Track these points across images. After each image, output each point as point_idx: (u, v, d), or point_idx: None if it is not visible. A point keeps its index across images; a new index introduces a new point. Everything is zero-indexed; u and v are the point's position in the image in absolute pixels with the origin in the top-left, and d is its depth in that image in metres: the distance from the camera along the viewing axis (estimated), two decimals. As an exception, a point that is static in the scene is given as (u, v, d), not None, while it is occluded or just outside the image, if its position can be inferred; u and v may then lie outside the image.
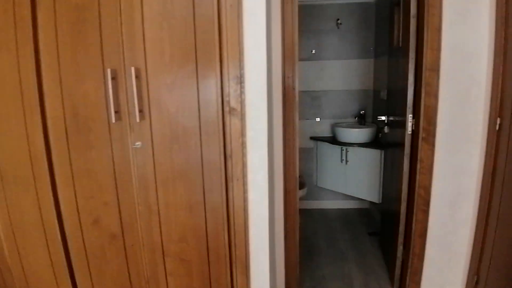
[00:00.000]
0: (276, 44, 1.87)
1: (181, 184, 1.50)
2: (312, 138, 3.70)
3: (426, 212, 2.02)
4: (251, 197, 1.48)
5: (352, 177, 3.36)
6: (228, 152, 1.44)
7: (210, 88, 1.38)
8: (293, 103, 1.98)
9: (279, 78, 1.95)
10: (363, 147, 3.19)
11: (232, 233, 1.53)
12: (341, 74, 3.59)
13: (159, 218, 1.57)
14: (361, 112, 3.53)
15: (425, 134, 1.94)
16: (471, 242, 2.04)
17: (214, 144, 1.43)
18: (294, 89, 1.97)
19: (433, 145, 1.94)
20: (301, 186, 3.53)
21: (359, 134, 3.28)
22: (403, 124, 2.13)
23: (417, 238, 2.06)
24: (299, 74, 1.99)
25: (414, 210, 2.03)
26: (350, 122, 3.64)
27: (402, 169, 2.14)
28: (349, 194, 3.45)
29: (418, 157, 1.97)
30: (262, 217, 1.49)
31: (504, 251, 1.86)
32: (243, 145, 1.41)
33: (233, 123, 1.40)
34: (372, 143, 3.25)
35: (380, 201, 3.12)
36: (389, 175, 2.60)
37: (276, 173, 2.10)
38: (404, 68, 2.11)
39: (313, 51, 3.57)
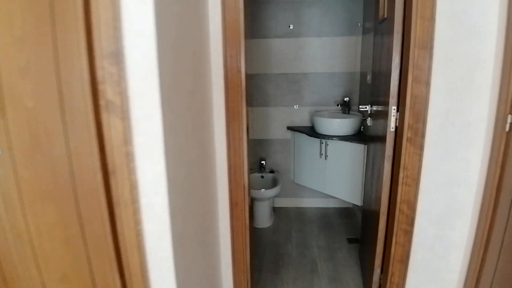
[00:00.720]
0: (208, 12, 1.38)
1: (52, 209, 1.05)
2: (289, 128, 3.23)
3: (409, 232, 1.58)
4: (148, 229, 1.03)
5: (332, 174, 2.92)
6: (110, 167, 0.97)
7: (74, 72, 0.91)
8: (238, 89, 1.50)
9: (218, 58, 1.47)
10: (345, 140, 2.72)
11: (127, 278, 1.09)
12: (323, 53, 3.08)
13: (34, 249, 1.12)
14: (345, 99, 3.04)
15: (411, 133, 1.47)
16: (465, 269, 1.61)
17: (86, 155, 0.97)
18: (239, 71, 1.49)
19: (421, 147, 1.48)
20: (275, 183, 3.08)
21: (341, 125, 2.81)
22: (386, 118, 1.66)
23: (396, 263, 1.63)
24: (250, 54, 1.50)
25: (394, 230, 1.59)
26: (333, 111, 3.16)
27: (382, 176, 1.68)
28: (329, 193, 3.01)
29: (401, 163, 1.51)
30: (164, 257, 1.05)
31: (507, 285, 1.43)
32: (128, 156, 0.95)
33: (112, 124, 0.93)
34: (355, 136, 2.78)
35: (362, 204, 2.68)
36: (370, 177, 2.15)
37: (219, 182, 1.64)
38: (389, 45, 1.62)
39: (291, 26, 3.05)
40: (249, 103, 3.20)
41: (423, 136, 1.47)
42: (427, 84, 1.41)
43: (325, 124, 2.86)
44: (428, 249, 1.61)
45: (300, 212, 3.35)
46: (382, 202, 1.69)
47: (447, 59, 1.38)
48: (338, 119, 2.82)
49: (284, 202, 3.45)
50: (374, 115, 2.09)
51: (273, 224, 3.11)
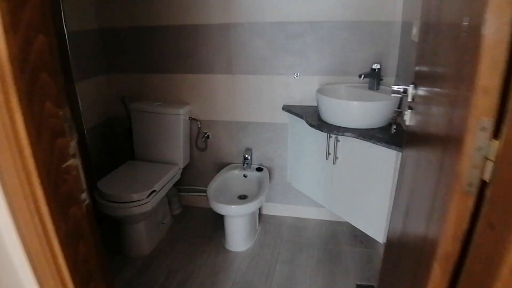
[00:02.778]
0: None
1: None
2: (285, 108, 2.16)
3: None
4: None
5: (342, 186, 1.87)
6: None
7: None
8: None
9: None
10: (366, 138, 1.64)
11: None
12: (343, -9, 1.91)
13: None
14: (373, 67, 1.90)
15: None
16: None
17: None
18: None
19: None
20: (260, 187, 2.10)
21: (363, 111, 1.71)
22: (456, 106, 0.59)
23: None
24: None
25: None
26: (353, 85, 2.03)
27: (446, 204, 0.65)
28: (336, 213, 1.99)
29: (482, 212, 0.46)
30: None
31: None
32: None
33: None
34: (383, 132, 1.69)
35: (384, 241, 1.66)
36: (408, 202, 1.11)
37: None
38: None
39: None
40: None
41: None
42: None
43: (335, 108, 1.77)
44: None
45: (296, 226, 2.37)
46: (439, 246, 0.67)
47: None
48: (356, 102, 1.71)
49: (276, 209, 2.47)
50: (425, 99, 1.00)
51: (254, 246, 2.17)
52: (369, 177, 1.70)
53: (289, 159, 2.30)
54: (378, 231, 1.72)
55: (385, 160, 1.59)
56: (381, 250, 2.02)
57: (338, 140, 1.82)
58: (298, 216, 2.46)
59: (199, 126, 2.35)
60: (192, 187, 2.54)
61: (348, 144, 1.77)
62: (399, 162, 1.51)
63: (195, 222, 2.41)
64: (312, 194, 2.14)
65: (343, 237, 2.25)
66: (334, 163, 1.87)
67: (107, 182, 2.00)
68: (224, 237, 2.14)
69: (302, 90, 2.15)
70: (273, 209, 2.47)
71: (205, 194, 2.07)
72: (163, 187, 2.06)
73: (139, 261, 2.04)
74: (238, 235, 2.11)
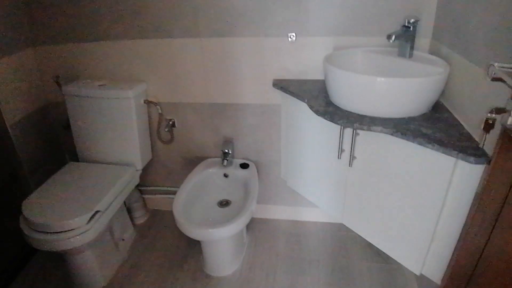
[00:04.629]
0: None
1: None
2: (277, 84, 1.56)
3: None
4: None
5: (361, 198, 1.34)
6: None
7: None
8: None
9: None
10: (408, 137, 1.07)
11: None
12: None
13: None
14: (407, 23, 1.29)
15: None
16: None
17: None
18: None
19: None
20: (247, 192, 1.56)
21: (400, 93, 1.13)
22: None
23: None
24: None
25: None
26: (373, 49, 1.43)
27: None
28: (349, 227, 1.48)
29: None
30: None
31: None
32: None
33: None
34: (430, 125, 1.13)
35: (421, 273, 1.18)
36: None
37: None
38: None
39: None
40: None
41: None
42: None
43: (357, 87, 1.19)
44: None
45: (295, 234, 1.87)
46: None
47: None
48: (384, 79, 1.12)
49: (268, 212, 1.95)
50: None
51: (242, 268, 1.66)
52: (405, 190, 1.17)
53: (283, 153, 1.74)
54: (413, 260, 1.22)
55: (435, 169, 1.04)
56: (404, 267, 1.55)
57: (357, 134, 1.25)
58: (296, 219, 1.95)
59: (160, 111, 1.73)
60: (158, 188, 1.98)
61: (373, 140, 1.21)
62: (458, 173, 0.98)
63: (165, 234, 1.87)
64: (315, 199, 1.61)
65: (354, 246, 1.76)
66: (350, 165, 1.32)
67: (34, 202, 1.41)
68: (202, 256, 1.63)
69: (300, 58, 1.53)
70: (264, 212, 1.95)
71: (174, 196, 1.52)
72: (112, 202, 1.49)
73: (89, 300, 1.52)
74: (220, 258, 1.60)
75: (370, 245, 1.72)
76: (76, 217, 1.32)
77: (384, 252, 1.35)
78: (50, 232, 1.31)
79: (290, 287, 1.55)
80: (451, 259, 1.07)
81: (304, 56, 1.52)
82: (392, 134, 1.10)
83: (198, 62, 1.60)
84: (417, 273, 1.22)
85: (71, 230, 1.32)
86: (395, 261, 1.59)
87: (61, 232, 1.31)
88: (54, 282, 1.59)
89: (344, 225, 1.81)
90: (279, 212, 1.94)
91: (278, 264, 1.68)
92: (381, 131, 1.12)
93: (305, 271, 1.63)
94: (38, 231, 1.32)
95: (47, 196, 1.45)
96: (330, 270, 1.63)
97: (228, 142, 1.74)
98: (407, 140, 1.07)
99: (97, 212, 1.39)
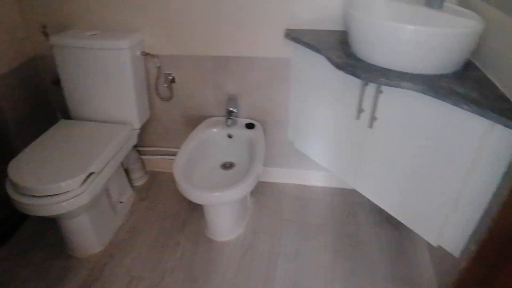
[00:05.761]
0: None
1: None
2: (289, 34, 1.39)
3: None
4: None
5: (378, 162, 1.24)
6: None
7: None
8: None
9: None
10: (440, 95, 0.94)
11: None
12: None
13: None
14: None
15: None
16: None
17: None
18: None
19: None
20: (252, 155, 1.46)
21: (428, 42, 0.98)
22: None
23: None
24: None
25: None
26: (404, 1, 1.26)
27: None
28: (362, 193, 1.38)
29: None
30: None
31: None
32: None
33: None
34: (464, 84, 1.00)
35: (438, 245, 1.10)
36: None
37: None
38: None
39: None
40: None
41: None
42: None
43: (379, 35, 1.04)
44: None
45: (300, 198, 1.79)
46: None
47: None
48: (421, 27, 0.97)
49: (272, 174, 1.86)
50: None
51: (246, 232, 1.60)
52: (429, 154, 1.06)
53: (292, 112, 1.61)
54: (430, 230, 1.14)
55: (467, 132, 0.93)
56: (415, 235, 1.49)
57: (380, 91, 1.12)
58: (301, 183, 1.86)
59: (158, 65, 1.57)
60: (157, 148, 1.86)
61: (397, 99, 1.08)
62: (494, 138, 0.87)
63: (164, 197, 1.79)
64: (326, 163, 1.51)
65: (363, 212, 1.69)
66: (370, 126, 1.20)
67: (21, 163, 1.30)
68: (204, 219, 1.55)
69: (315, 5, 1.36)
70: (268, 175, 1.85)
71: (175, 156, 1.41)
72: (107, 163, 1.38)
73: (88, 264, 1.46)
74: (224, 222, 1.52)
75: (380, 211, 1.65)
76: (69, 179, 1.22)
77: (394, 219, 1.27)
78: (40, 196, 1.21)
79: (295, 253, 1.49)
80: (475, 231, 0.99)
81: (319, 3, 1.35)
82: (423, 92, 0.97)
83: (200, 9, 1.43)
84: (434, 244, 1.15)
85: (63, 193, 1.22)
86: (406, 229, 1.53)
87: (52, 195, 1.21)
88: (48, 247, 1.52)
89: (353, 191, 1.72)
90: (284, 176, 1.85)
91: (282, 229, 1.61)
92: (410, 88, 0.99)
93: (310, 237, 1.57)
94: (27, 195, 1.21)
95: (36, 157, 1.34)
96: (337, 236, 1.57)
97: (232, 99, 1.61)
98: (439, 99, 0.94)
99: (91, 173, 1.29)
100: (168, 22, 1.47)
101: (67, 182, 1.22)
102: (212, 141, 1.60)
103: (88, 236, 1.46)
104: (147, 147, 1.86)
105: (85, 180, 1.26)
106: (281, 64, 1.51)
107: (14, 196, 1.22)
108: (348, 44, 1.23)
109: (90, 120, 1.58)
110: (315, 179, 1.83)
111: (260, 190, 1.82)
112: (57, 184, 1.21)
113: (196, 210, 1.67)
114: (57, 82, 1.60)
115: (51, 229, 1.57)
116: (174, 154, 1.82)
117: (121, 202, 1.67)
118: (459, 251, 1.07)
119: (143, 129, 1.70)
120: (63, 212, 1.26)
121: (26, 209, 1.23)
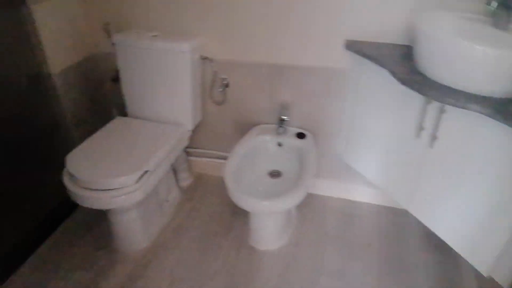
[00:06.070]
0: None
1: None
2: (350, 46, 1.37)
3: None
4: None
5: (438, 184, 1.17)
6: None
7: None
8: None
9: None
10: (501, 116, 0.88)
11: None
12: None
13: None
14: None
15: None
16: None
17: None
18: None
19: None
20: (302, 166, 1.44)
21: (502, 65, 0.92)
22: None
23: None
24: None
25: None
26: (465, 16, 1.20)
27: None
28: (416, 217, 1.31)
29: None
30: None
31: None
32: None
33: None
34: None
35: (489, 276, 1.02)
36: None
37: None
38: None
39: None
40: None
41: None
42: None
43: (446, 52, 0.99)
44: None
45: (346, 214, 1.73)
46: None
47: None
48: (483, 47, 0.91)
49: (318, 187, 1.82)
50: None
51: (289, 243, 1.57)
52: (490, 181, 0.99)
53: (345, 124, 1.58)
54: (482, 259, 1.06)
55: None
56: (463, 263, 1.39)
57: (444, 111, 1.07)
58: (347, 198, 1.81)
59: (215, 69, 1.60)
60: (205, 151, 1.89)
61: (461, 120, 1.02)
62: None
63: (209, 199, 1.81)
64: (377, 180, 1.45)
65: (412, 235, 1.61)
66: (430, 145, 1.14)
67: (79, 156, 1.37)
68: (247, 226, 1.55)
69: (380, 14, 1.32)
70: (315, 186, 1.82)
71: (223, 160, 1.42)
72: (161, 162, 1.42)
73: (133, 259, 1.50)
74: (268, 230, 1.51)
75: (428, 235, 1.56)
76: (125, 175, 1.27)
77: (442, 245, 1.19)
78: (96, 189, 1.26)
79: (340, 271, 1.45)
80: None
81: (382, 16, 1.31)
82: (490, 116, 0.91)
83: (260, 17, 1.44)
84: (485, 274, 1.07)
85: (118, 188, 1.26)
86: (454, 255, 1.44)
87: (108, 190, 1.26)
88: (94, 240, 1.58)
89: (402, 211, 1.65)
90: (329, 188, 1.80)
91: (327, 244, 1.57)
92: (478, 111, 0.93)
93: (356, 256, 1.51)
94: (83, 188, 1.27)
95: (93, 151, 1.40)
96: (383, 258, 1.50)
97: (284, 108, 1.60)
98: (506, 124, 0.88)
99: (146, 171, 1.33)
100: (229, 28, 1.50)
101: (124, 178, 1.26)
102: (261, 148, 1.59)
103: (136, 232, 1.50)
104: (195, 148, 1.90)
105: (141, 177, 1.30)
106: (337, 75, 1.48)
107: (71, 187, 1.28)
108: (411, 58, 1.18)
109: (145, 119, 1.63)
110: (362, 194, 1.77)
111: (304, 201, 1.78)
112: (114, 179, 1.25)
113: (240, 215, 1.67)
114: (116, 79, 1.67)
115: (98, 222, 1.63)
116: (221, 158, 1.84)
117: (167, 201, 1.71)
118: (510, 282, 0.99)
119: (193, 130, 1.73)
120: (116, 206, 1.30)
121: (81, 201, 1.29)
